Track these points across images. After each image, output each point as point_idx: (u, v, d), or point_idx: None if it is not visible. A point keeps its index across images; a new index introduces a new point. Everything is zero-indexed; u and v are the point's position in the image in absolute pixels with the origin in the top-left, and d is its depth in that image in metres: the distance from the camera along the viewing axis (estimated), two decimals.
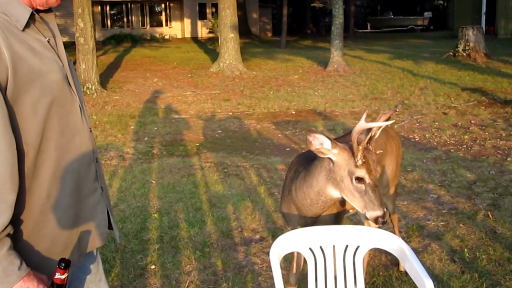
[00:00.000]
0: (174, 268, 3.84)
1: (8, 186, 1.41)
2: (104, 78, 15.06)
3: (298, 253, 2.80)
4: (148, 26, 34.57)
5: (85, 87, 12.79)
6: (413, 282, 2.08)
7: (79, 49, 13.29)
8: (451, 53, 17.43)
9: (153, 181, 6.01)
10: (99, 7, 32.91)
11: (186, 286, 3.60)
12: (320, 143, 2.32)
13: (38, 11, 1.63)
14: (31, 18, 1.56)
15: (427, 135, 8.18)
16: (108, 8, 34.05)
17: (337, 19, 16.55)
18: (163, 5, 35.27)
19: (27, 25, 1.54)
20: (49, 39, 1.62)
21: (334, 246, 2.25)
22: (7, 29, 1.46)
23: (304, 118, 10.05)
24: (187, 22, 34.14)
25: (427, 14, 39.66)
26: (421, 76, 14.23)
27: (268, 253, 3.98)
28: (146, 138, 8.58)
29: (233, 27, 17.03)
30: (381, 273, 3.69)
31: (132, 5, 34.38)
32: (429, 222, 4.57)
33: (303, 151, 6.67)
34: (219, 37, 18.05)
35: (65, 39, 25.33)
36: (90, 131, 1.75)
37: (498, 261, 3.77)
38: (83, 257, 1.77)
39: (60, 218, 1.60)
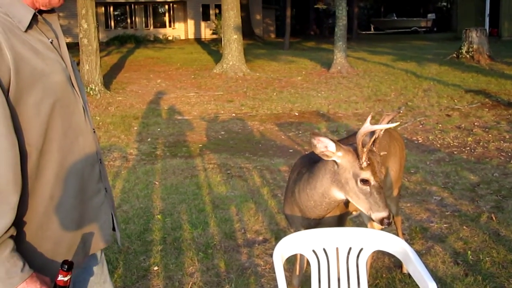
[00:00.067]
0: (177, 270, 3.84)
1: (11, 188, 1.40)
2: (108, 79, 15.08)
3: (301, 255, 2.79)
4: (152, 27, 34.62)
5: (88, 88, 12.81)
6: (417, 285, 2.07)
7: (82, 50, 13.31)
8: (454, 55, 17.41)
9: (156, 182, 6.02)
10: (103, 8, 32.96)
11: (189, 287, 3.60)
12: (325, 146, 2.33)
13: (41, 12, 1.63)
14: (34, 19, 1.56)
15: (430, 137, 8.17)
16: (111, 9, 34.11)
17: (340, 21, 16.56)
18: (166, 6, 35.33)
19: (29, 26, 1.54)
20: (52, 40, 1.62)
21: (337, 248, 2.25)
22: (10, 30, 1.46)
23: (307, 120, 10.05)
24: (191, 23, 34.19)
25: (431, 15, 39.66)
26: (424, 78, 14.22)
27: (271, 255, 3.98)
28: (149, 139, 8.59)
29: (237, 28, 17.04)
30: (384, 275, 3.69)
31: (136, 6, 34.44)
32: (432, 224, 4.56)
33: (306, 152, 6.67)
34: (222, 39, 18.06)
35: (69, 39, 25.39)
36: (94, 132, 1.74)
37: (501, 263, 3.76)
38: (88, 258, 1.77)
39: (64, 219, 1.60)
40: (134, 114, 10.86)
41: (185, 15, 34.51)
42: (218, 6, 25.14)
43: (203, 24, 34.06)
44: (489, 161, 6.55)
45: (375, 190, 2.28)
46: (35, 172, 1.51)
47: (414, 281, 2.07)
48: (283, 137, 8.77)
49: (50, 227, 1.57)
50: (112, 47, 27.16)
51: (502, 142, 7.56)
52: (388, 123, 2.40)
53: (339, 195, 2.41)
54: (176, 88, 14.58)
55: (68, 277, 1.49)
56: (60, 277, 1.49)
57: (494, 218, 4.59)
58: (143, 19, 34.78)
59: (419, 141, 8.01)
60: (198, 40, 32.71)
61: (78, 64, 12.55)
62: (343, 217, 2.81)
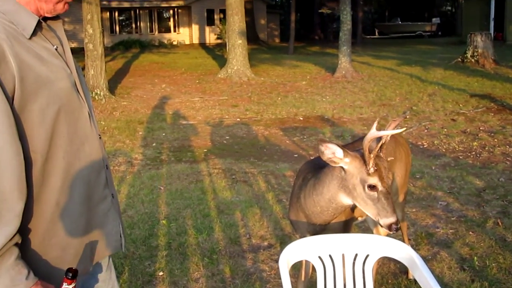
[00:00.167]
0: (182, 275, 3.84)
1: (16, 195, 1.40)
2: (113, 84, 15.12)
3: (306, 260, 2.79)
4: (157, 32, 34.72)
5: (93, 93, 12.85)
6: None
7: (87, 55, 13.37)
8: (459, 59, 17.38)
9: (161, 187, 6.02)
10: (108, 13, 33.09)
11: None
12: (332, 152, 2.33)
13: (45, 18, 1.63)
14: (38, 26, 1.56)
15: (435, 142, 8.15)
16: (116, 14, 34.23)
17: (345, 25, 16.56)
18: (171, 11, 35.42)
19: (34, 33, 1.53)
20: (56, 47, 1.62)
21: (343, 254, 2.25)
22: (14, 37, 1.46)
23: (312, 125, 10.05)
24: (195, 28, 34.26)
25: (435, 20, 39.57)
26: (429, 82, 14.20)
27: (276, 261, 3.98)
28: (154, 144, 8.60)
29: (241, 33, 17.07)
30: (390, 281, 3.67)
31: (141, 11, 34.55)
32: (438, 230, 4.54)
33: (311, 157, 6.66)
34: (227, 43, 18.10)
35: (74, 45, 25.50)
36: (100, 137, 1.74)
37: (508, 269, 3.74)
38: (96, 264, 1.77)
39: (70, 226, 1.60)
40: (139, 119, 10.88)
41: (189, 20, 34.58)
42: (223, 11, 25.19)
43: (207, 29, 34.12)
44: (495, 166, 6.53)
45: (382, 196, 2.28)
46: (40, 179, 1.51)
47: (420, 287, 2.06)
48: (287, 142, 8.77)
49: (57, 234, 1.57)
50: (117, 52, 27.25)
51: (507, 146, 7.53)
52: (394, 129, 2.39)
53: (347, 201, 2.41)
54: (181, 93, 14.61)
55: (73, 285, 1.49)
56: (64, 285, 1.48)
57: (500, 224, 4.57)
58: (148, 24, 34.88)
59: (424, 146, 8.00)
60: (202, 45, 32.78)
61: (83, 69, 12.63)
62: (348, 222, 2.81)
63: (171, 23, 35.56)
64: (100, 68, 13.33)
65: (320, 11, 31.12)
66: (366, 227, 4.12)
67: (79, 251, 1.64)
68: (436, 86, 13.42)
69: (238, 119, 10.76)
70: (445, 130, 8.91)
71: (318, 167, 2.63)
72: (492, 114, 9.90)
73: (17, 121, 1.42)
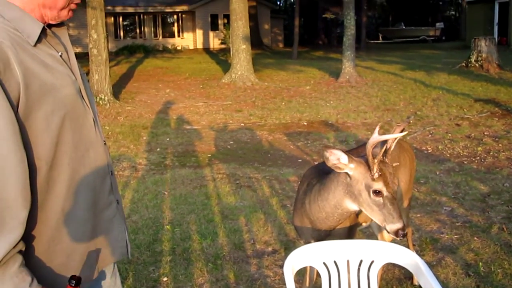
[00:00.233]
0: (187, 281, 3.84)
1: (20, 203, 1.40)
2: (117, 89, 15.16)
3: (310, 266, 2.78)
4: (161, 37, 34.80)
5: (98, 97, 12.89)
6: None
7: (92, 60, 13.40)
8: (463, 64, 17.35)
9: (166, 192, 6.02)
10: (112, 18, 33.18)
11: None
12: (337, 158, 2.33)
13: (50, 25, 1.63)
14: (43, 33, 1.56)
15: (440, 147, 8.13)
16: (121, 19, 34.33)
17: (349, 30, 16.57)
18: (175, 16, 35.51)
19: (39, 40, 1.54)
20: (61, 54, 1.62)
21: (348, 261, 2.24)
22: (19, 45, 1.47)
23: (316, 129, 10.04)
24: (199, 33, 34.33)
25: (439, 24, 39.56)
26: (433, 87, 14.18)
27: (280, 266, 3.97)
28: (158, 149, 8.61)
29: (245, 38, 17.10)
30: (394, 287, 3.66)
31: (145, 16, 34.64)
32: (443, 235, 4.53)
33: (315, 162, 6.65)
34: (231, 48, 18.13)
35: (78, 50, 25.61)
36: (105, 143, 1.74)
37: None
38: (101, 270, 1.77)
39: (76, 232, 1.60)
40: (143, 123, 10.90)
41: (193, 25, 34.66)
42: (227, 16, 25.23)
43: (211, 34, 34.18)
44: (500, 171, 6.51)
45: (388, 201, 2.27)
46: (45, 186, 1.51)
47: None
48: (291, 147, 8.77)
49: (62, 241, 1.57)
50: (121, 57, 27.32)
51: None
52: (395, 132, 2.39)
53: (353, 207, 2.41)
54: (185, 98, 14.63)
55: None
56: None
57: (505, 229, 4.56)
58: (152, 29, 34.97)
59: (429, 151, 7.98)
60: (206, 49, 32.83)
61: (87, 74, 12.67)
62: (353, 228, 2.80)
63: (175, 28, 35.63)
64: (105, 73, 13.37)
65: (324, 16, 31.15)
66: (371, 233, 4.11)
67: (84, 257, 1.64)
68: (440, 91, 13.40)
69: (242, 124, 10.76)
70: (450, 135, 8.89)
71: (322, 173, 2.63)
72: (497, 119, 9.88)
73: (22, 129, 1.42)
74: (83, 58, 15.75)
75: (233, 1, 17.08)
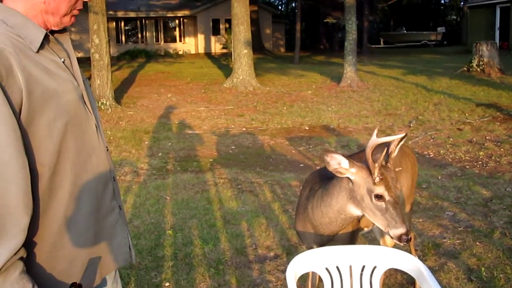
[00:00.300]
0: (188, 286, 3.83)
1: (21, 209, 1.40)
2: (119, 94, 15.18)
3: (313, 272, 2.78)
4: (162, 42, 34.87)
5: (99, 102, 12.90)
6: None
7: (94, 65, 13.43)
8: (465, 69, 17.35)
9: (167, 197, 6.02)
10: (114, 23, 33.27)
11: None
12: (338, 162, 2.33)
13: (52, 31, 1.64)
14: (46, 39, 1.56)
15: (441, 151, 8.12)
16: (122, 24, 34.41)
17: (350, 35, 16.58)
18: (177, 21, 35.59)
19: (41, 47, 1.54)
20: (64, 60, 1.62)
21: (350, 266, 2.24)
22: (21, 51, 1.47)
23: (317, 134, 10.04)
24: (201, 37, 34.39)
25: (440, 29, 39.57)
26: (435, 91, 14.18)
27: (282, 271, 3.97)
28: (160, 154, 8.61)
29: (247, 42, 17.12)
30: None
31: (147, 21, 34.72)
32: (445, 240, 4.52)
33: (317, 167, 6.64)
34: (232, 53, 18.15)
35: (80, 54, 25.67)
36: (107, 149, 1.75)
37: None
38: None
39: (78, 238, 1.60)
40: (145, 128, 10.91)
41: (195, 29, 34.73)
42: (228, 21, 25.27)
43: (213, 38, 34.25)
44: (502, 176, 6.50)
45: (390, 206, 2.27)
46: (48, 192, 1.51)
47: None
48: (293, 151, 8.77)
49: (64, 247, 1.57)
50: (123, 61, 27.36)
51: None
52: (400, 139, 2.39)
53: (356, 212, 2.41)
54: (187, 103, 14.64)
55: None
56: None
57: (507, 234, 4.55)
58: (154, 33, 35.04)
59: (430, 156, 7.98)
60: (208, 54, 32.89)
61: (89, 78, 12.68)
62: (355, 233, 2.80)
63: (177, 33, 35.71)
64: (106, 78, 13.39)
65: (325, 20, 31.14)
66: (373, 238, 4.11)
67: (87, 264, 1.64)
68: (441, 96, 13.40)
69: (244, 129, 10.77)
70: (451, 139, 8.88)
71: (325, 178, 2.62)
72: (498, 123, 9.87)
73: (24, 135, 1.43)
74: (85, 63, 15.77)
75: (235, 6, 17.11)
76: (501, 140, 8.53)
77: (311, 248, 2.63)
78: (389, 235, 2.28)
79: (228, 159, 8.24)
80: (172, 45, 34.50)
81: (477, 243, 4.41)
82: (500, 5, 27.31)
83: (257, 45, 26.44)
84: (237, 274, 3.99)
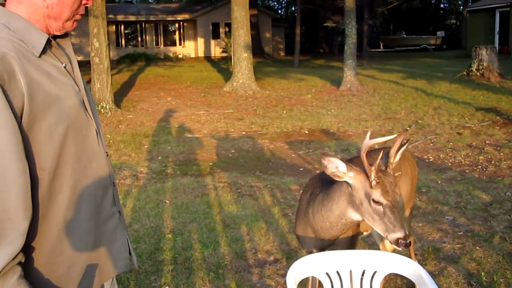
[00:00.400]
0: None
1: (21, 214, 1.40)
2: (118, 97, 15.18)
3: (313, 276, 2.78)
4: (162, 45, 34.90)
5: (99, 106, 12.91)
6: None
7: (94, 69, 13.44)
8: (464, 73, 17.38)
9: (167, 201, 6.02)
10: (114, 27, 33.29)
11: None
12: (335, 166, 2.33)
13: (54, 36, 1.64)
14: (48, 44, 1.57)
15: (441, 156, 8.13)
16: (122, 27, 34.44)
17: (350, 39, 16.60)
18: (176, 25, 35.62)
19: (43, 51, 1.55)
20: (65, 65, 1.63)
21: (351, 271, 2.24)
22: (24, 56, 1.47)
23: (317, 138, 10.05)
24: (201, 41, 34.42)
25: (440, 33, 39.63)
26: (434, 95, 14.19)
27: (282, 275, 3.96)
28: (159, 157, 8.61)
29: (247, 46, 17.14)
30: None
31: (146, 25, 34.75)
32: (445, 245, 4.52)
33: (317, 171, 6.64)
34: (232, 57, 18.17)
35: (80, 58, 25.63)
36: (107, 154, 1.75)
37: None
38: None
39: (78, 243, 1.60)
40: (145, 132, 10.91)
41: (195, 33, 34.76)
42: (228, 25, 25.32)
43: (213, 42, 34.27)
44: (501, 180, 6.50)
45: (388, 210, 2.26)
46: (47, 197, 1.51)
47: None
48: (293, 155, 8.77)
49: (63, 252, 1.57)
50: (123, 65, 27.38)
51: None
52: (400, 144, 2.39)
53: (356, 217, 2.41)
54: (186, 106, 14.65)
55: None
56: None
57: (507, 239, 4.55)
58: (154, 37, 35.08)
59: (430, 160, 7.98)
60: (208, 58, 32.91)
61: (89, 82, 12.69)
62: (355, 237, 2.80)
63: (177, 37, 35.74)
64: (106, 82, 13.40)
65: (325, 24, 31.17)
66: (373, 242, 4.11)
67: (86, 269, 1.63)
68: (441, 100, 13.41)
69: (244, 133, 10.77)
70: (451, 143, 8.89)
71: (325, 182, 2.62)
72: (498, 127, 9.87)
73: (25, 139, 1.43)
74: (85, 66, 15.78)
75: (235, 9, 17.14)
76: (500, 145, 8.54)
77: (311, 252, 2.63)
78: (387, 239, 2.28)
79: (227, 163, 8.24)
80: (172, 48, 34.54)
81: (477, 247, 4.41)
82: (500, 10, 27.36)
83: (257, 49, 26.45)
84: (237, 278, 3.99)
